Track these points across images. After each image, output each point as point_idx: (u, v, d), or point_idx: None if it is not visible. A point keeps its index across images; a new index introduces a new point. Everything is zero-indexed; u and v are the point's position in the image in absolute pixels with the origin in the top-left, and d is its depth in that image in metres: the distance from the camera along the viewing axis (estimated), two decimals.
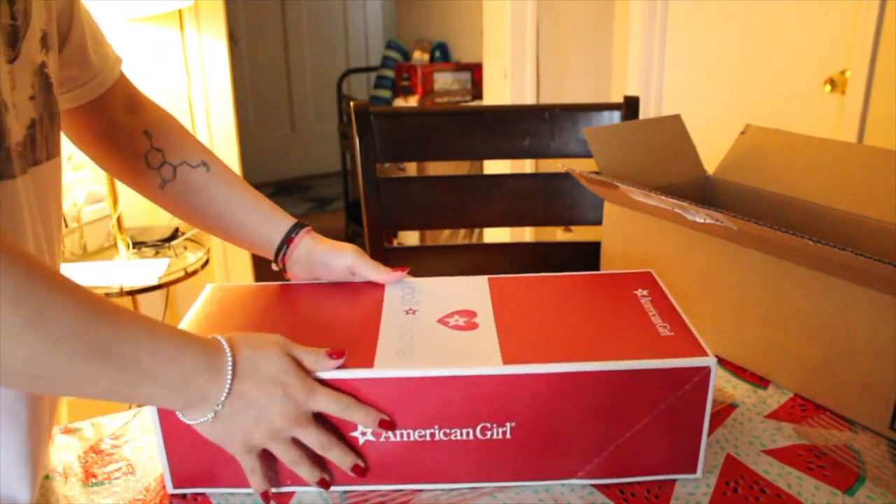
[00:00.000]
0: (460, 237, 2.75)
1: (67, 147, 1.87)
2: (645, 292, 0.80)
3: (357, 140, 1.20)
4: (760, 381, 0.89)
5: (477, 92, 2.74)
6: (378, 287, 0.83)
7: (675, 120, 1.18)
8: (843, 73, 2.00)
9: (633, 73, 2.55)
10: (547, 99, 2.53)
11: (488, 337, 0.71)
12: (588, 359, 0.66)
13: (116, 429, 0.78)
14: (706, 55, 2.39)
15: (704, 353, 0.67)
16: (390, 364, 0.66)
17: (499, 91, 2.51)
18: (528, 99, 2.50)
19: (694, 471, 0.71)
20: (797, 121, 2.15)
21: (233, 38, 4.19)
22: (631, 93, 2.57)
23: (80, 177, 1.82)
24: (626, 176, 1.09)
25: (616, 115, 1.24)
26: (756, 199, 1.14)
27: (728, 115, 2.32)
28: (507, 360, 0.66)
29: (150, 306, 1.91)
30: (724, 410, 0.83)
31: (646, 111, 2.59)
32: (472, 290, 0.81)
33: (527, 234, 2.64)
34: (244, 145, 2.15)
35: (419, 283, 0.83)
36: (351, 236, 3.64)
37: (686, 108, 2.49)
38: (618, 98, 2.61)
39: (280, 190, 4.61)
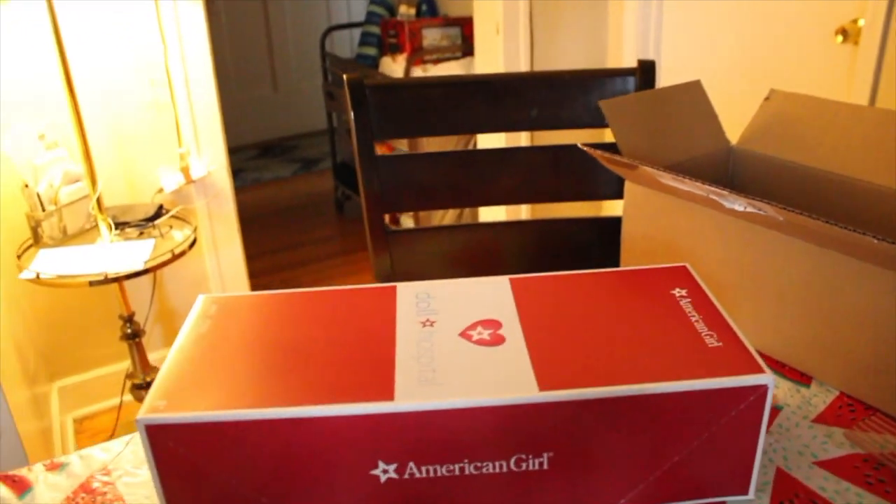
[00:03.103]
0: (449, 217, 2.66)
1: (39, 125, 1.77)
2: (683, 292, 0.73)
3: (352, 116, 1.11)
4: (802, 378, 0.83)
5: (468, 48, 2.62)
6: (388, 292, 0.75)
7: (696, 87, 1.10)
8: (855, 21, 1.91)
9: (629, 26, 2.45)
10: (541, 56, 2.43)
11: (518, 354, 0.63)
12: (633, 380, 0.59)
13: (108, 461, 0.71)
14: (706, 6, 2.29)
15: (760, 370, 0.60)
16: (413, 395, 0.58)
17: (491, 47, 2.41)
18: (523, 55, 2.40)
19: (745, 492, 0.65)
20: (807, 75, 2.07)
21: None
22: (628, 48, 2.47)
23: (54, 156, 1.72)
24: (646, 150, 1.02)
25: (630, 81, 1.15)
26: (784, 171, 1.07)
27: (733, 71, 2.23)
28: (543, 384, 0.59)
29: (138, 290, 1.83)
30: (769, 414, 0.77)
31: None
32: (494, 295, 0.74)
33: (523, 212, 2.56)
34: (225, 106, 2.05)
35: (434, 288, 0.75)
36: (340, 199, 3.54)
37: (687, 60, 2.40)
38: (615, 50, 2.51)
39: (264, 151, 4.49)
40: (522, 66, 2.41)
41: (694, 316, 0.69)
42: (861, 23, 1.88)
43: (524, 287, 0.75)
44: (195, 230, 1.78)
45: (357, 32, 4.29)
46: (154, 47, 1.91)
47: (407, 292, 0.75)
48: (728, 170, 1.11)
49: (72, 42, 1.81)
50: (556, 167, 1.18)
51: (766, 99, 1.11)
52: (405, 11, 2.88)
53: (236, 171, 4.04)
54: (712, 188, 0.80)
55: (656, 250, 0.97)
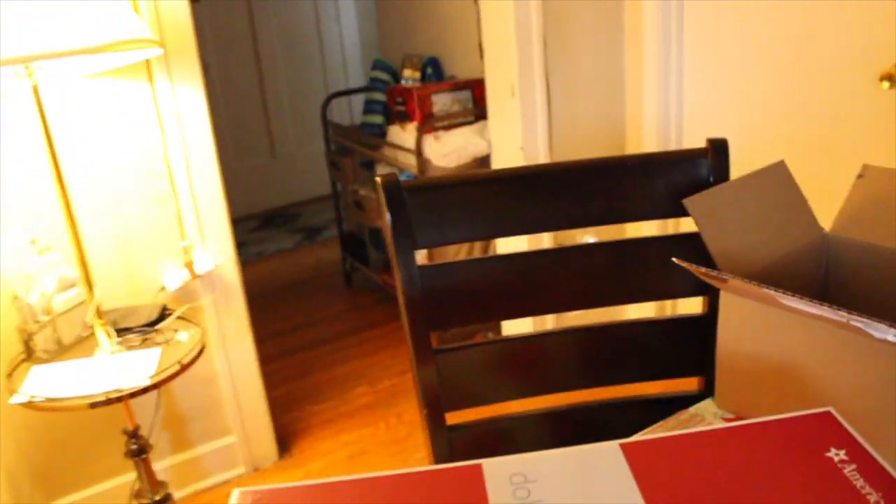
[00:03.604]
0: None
1: (31, 229, 1.63)
2: (842, 454, 0.58)
3: (389, 222, 0.96)
4: None
5: (480, 112, 2.50)
6: (473, 475, 0.59)
7: (780, 168, 0.96)
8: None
9: (649, 85, 2.33)
10: (559, 117, 2.30)
11: None
12: None
13: None
14: (732, 57, 2.17)
15: None
16: None
17: (506, 110, 2.28)
18: (540, 117, 2.27)
19: None
20: (852, 125, 1.93)
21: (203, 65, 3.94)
22: (649, 105, 2.35)
23: (47, 261, 1.57)
24: (738, 250, 0.87)
25: (702, 164, 1.01)
26: (891, 261, 0.92)
27: (768, 125, 2.10)
28: None
29: (142, 397, 1.66)
30: None
31: (666, 128, 2.37)
32: (606, 472, 0.58)
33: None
34: (224, 178, 1.91)
35: (531, 466, 0.60)
36: (348, 270, 3.40)
37: (714, 118, 2.27)
38: (634, 110, 2.39)
39: (266, 222, 4.35)
40: (540, 129, 2.28)
41: (871, 494, 0.54)
42: None
43: (641, 456, 0.60)
44: (203, 335, 1.62)
45: (356, 98, 4.19)
46: (152, 137, 1.77)
47: (497, 474, 0.59)
48: (825, 262, 0.97)
49: (63, 137, 1.68)
50: (621, 265, 1.04)
51: (860, 176, 0.97)
52: (410, 75, 2.77)
53: (238, 246, 3.90)
54: (853, 315, 0.65)
55: (762, 371, 0.81)
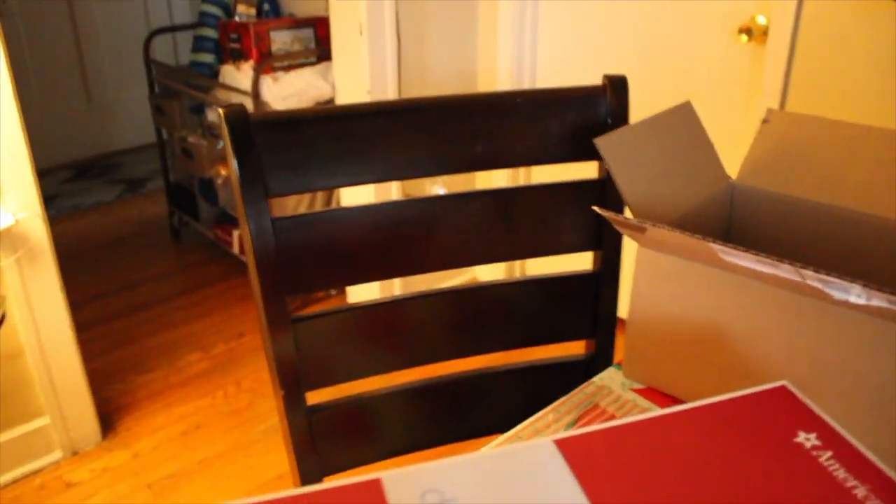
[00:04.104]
0: (313, 204, 2.33)
1: None
2: (812, 438, 0.49)
3: (236, 166, 0.79)
4: None
5: (323, 52, 2.30)
6: (371, 491, 0.45)
7: (687, 110, 0.87)
8: (753, 19, 1.77)
9: (503, 27, 2.22)
10: (409, 60, 2.15)
11: None
12: None
13: None
14: (591, 6, 2.09)
15: None
16: None
17: (353, 50, 2.10)
18: (389, 57, 2.11)
19: None
20: (712, 77, 1.91)
21: None
22: (503, 51, 2.24)
23: None
24: (653, 198, 0.77)
25: (600, 103, 0.90)
26: (800, 211, 0.85)
27: (629, 74, 2.04)
28: None
29: None
30: None
31: (519, 77, 2.27)
32: (542, 477, 0.45)
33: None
34: (30, 123, 1.63)
35: (445, 476, 0.46)
36: (176, 225, 3.11)
37: (569, 67, 2.20)
38: (487, 55, 2.27)
39: (82, 172, 3.93)
40: (389, 72, 2.12)
41: (858, 488, 0.44)
42: (760, 19, 1.74)
43: (580, 453, 0.47)
44: (3, 302, 1.36)
45: (183, 36, 3.84)
46: None
47: (404, 493, 0.45)
48: (728, 213, 0.89)
49: None
50: (504, 217, 0.91)
51: (764, 121, 0.89)
52: (244, 11, 2.51)
53: (49, 198, 3.49)
54: (820, 275, 0.55)
55: (681, 339, 0.72)
